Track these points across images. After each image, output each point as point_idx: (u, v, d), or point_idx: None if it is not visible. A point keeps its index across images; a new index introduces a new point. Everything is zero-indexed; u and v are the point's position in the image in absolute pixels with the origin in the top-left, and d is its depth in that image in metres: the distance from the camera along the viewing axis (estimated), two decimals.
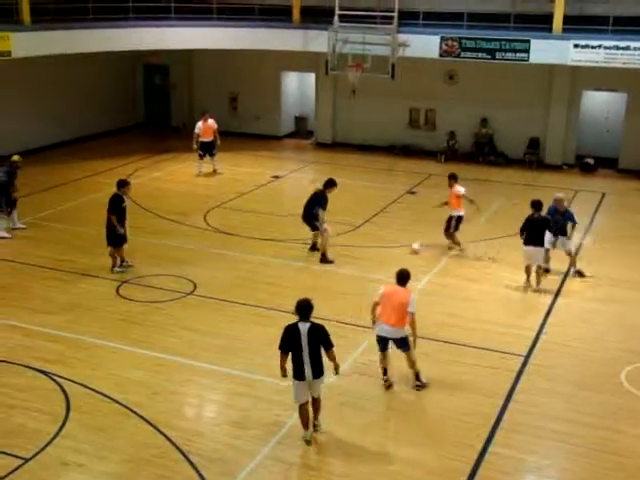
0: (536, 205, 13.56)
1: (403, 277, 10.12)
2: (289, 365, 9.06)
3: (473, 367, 11.01)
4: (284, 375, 9.09)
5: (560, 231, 13.98)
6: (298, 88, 27.06)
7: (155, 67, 26.95)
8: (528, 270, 13.65)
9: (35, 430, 9.28)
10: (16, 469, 8.55)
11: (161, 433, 9.23)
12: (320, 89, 24.99)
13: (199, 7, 21.86)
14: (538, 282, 13.62)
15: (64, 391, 10.11)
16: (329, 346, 8.95)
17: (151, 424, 9.41)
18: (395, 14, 20.24)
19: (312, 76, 25.22)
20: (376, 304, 10.16)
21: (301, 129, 26.88)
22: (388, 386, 10.40)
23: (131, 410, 9.70)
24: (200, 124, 20.78)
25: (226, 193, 19.38)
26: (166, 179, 20.87)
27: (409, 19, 20.69)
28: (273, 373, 10.53)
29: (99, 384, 10.27)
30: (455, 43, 20.47)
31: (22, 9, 18.96)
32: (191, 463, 8.71)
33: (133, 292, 13.34)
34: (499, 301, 13.34)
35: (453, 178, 15.37)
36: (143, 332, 11.89)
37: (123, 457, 8.84)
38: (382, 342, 10.25)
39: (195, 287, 13.54)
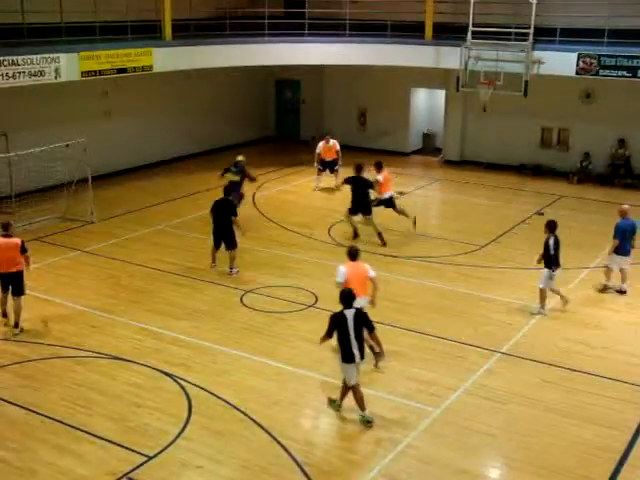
0: (551, 226, 13.09)
1: (355, 253, 11.15)
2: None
3: (600, 397, 10.52)
4: (323, 342, 10.06)
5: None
6: (427, 104, 26.89)
7: (286, 82, 27.56)
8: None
9: (158, 430, 9.62)
10: (140, 465, 8.88)
11: (277, 442, 9.35)
12: (450, 106, 24.75)
13: (331, 24, 22.17)
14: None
15: (187, 394, 10.43)
16: (373, 329, 9.87)
17: (268, 432, 9.55)
18: (530, 30, 19.79)
19: (442, 92, 25.03)
20: (342, 286, 10.54)
21: (429, 146, 26.68)
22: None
23: (250, 417, 9.88)
24: (321, 144, 21.17)
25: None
26: (291, 192, 21.22)
27: (544, 35, 20.16)
28: (390, 390, 10.48)
29: (220, 390, 10.53)
30: (593, 60, 19.74)
31: (165, 25, 19.88)
32: (305, 474, 8.76)
33: (256, 301, 13.61)
34: (630, 330, 12.70)
35: (378, 166, 16.97)
36: (264, 341, 12.10)
37: (240, 463, 9.01)
38: None
39: (316, 300, 13.67)
